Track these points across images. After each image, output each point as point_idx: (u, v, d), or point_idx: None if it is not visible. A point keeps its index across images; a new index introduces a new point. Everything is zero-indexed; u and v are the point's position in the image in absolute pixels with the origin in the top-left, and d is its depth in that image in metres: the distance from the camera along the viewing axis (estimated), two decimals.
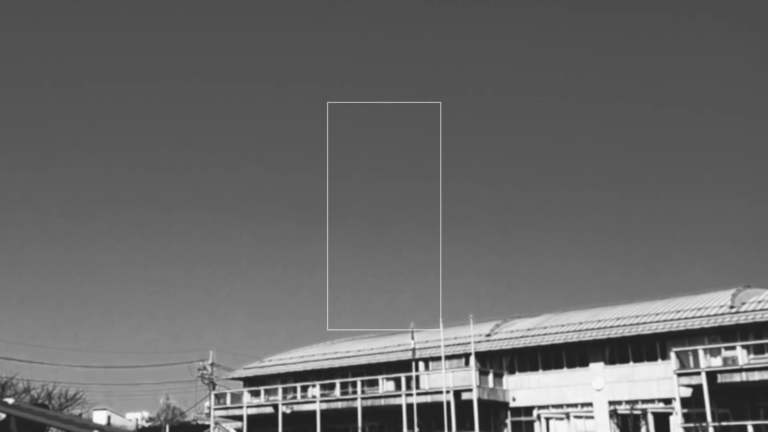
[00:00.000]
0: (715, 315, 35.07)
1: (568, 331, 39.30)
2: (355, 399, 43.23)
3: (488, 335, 42.60)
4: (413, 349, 39.94)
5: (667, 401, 35.27)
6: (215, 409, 51.16)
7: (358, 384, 43.88)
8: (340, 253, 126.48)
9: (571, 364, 39.11)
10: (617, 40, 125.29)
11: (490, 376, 40.10)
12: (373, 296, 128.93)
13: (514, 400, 40.48)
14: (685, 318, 35.89)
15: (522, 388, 40.39)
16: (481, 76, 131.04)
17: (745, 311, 34.31)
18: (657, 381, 35.83)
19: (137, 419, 78.13)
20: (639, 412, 35.63)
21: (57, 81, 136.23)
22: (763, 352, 32.50)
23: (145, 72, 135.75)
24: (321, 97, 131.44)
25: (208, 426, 54.69)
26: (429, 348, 42.81)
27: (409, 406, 40.08)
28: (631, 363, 37.17)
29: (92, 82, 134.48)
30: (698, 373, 32.35)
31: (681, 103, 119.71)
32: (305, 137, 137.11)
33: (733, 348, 32.45)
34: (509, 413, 40.58)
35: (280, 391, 47.81)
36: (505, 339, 41.60)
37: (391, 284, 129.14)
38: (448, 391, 38.56)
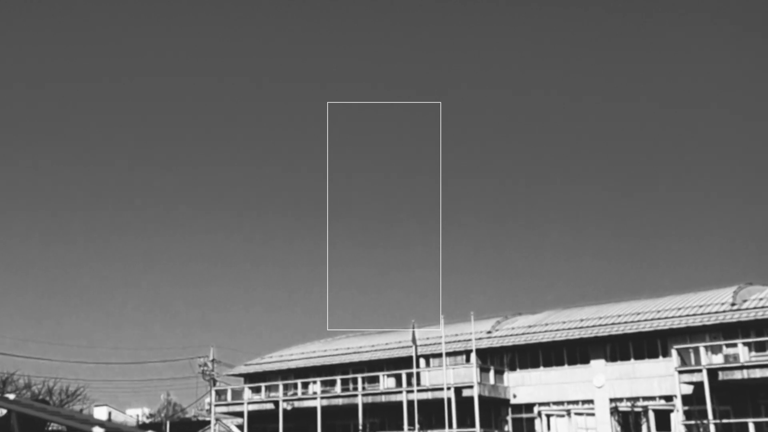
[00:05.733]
0: (717, 312, 35.04)
1: (569, 328, 39.27)
2: (356, 395, 43.19)
3: (489, 332, 42.60)
4: (415, 344, 39.76)
5: (668, 398, 35.25)
6: (216, 406, 51.13)
7: (359, 380, 43.88)
8: (341, 251, 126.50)
9: (572, 361, 39.08)
10: (617, 39, 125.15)
11: (491, 373, 40.08)
12: (374, 293, 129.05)
13: (515, 396, 40.46)
14: (687, 315, 35.88)
15: (523, 385, 40.37)
16: (481, 75, 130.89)
17: (747, 308, 34.27)
18: (658, 378, 35.79)
19: (138, 415, 78.13)
20: (640, 410, 35.61)
21: (56, 78, 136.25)
22: (764, 350, 32.44)
23: (146, 70, 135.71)
24: (321, 97, 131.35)
25: (208, 422, 54.76)
26: (430, 345, 42.84)
27: (410, 403, 40.06)
28: (633, 360, 37.13)
29: (89, 81, 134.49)
30: (699, 371, 32.31)
31: (682, 101, 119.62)
32: (305, 137, 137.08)
33: (735, 345, 32.43)
34: (510, 410, 40.54)
35: (280, 388, 47.77)
36: (506, 336, 41.61)
37: (392, 281, 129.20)
38: (448, 388, 38.54)
